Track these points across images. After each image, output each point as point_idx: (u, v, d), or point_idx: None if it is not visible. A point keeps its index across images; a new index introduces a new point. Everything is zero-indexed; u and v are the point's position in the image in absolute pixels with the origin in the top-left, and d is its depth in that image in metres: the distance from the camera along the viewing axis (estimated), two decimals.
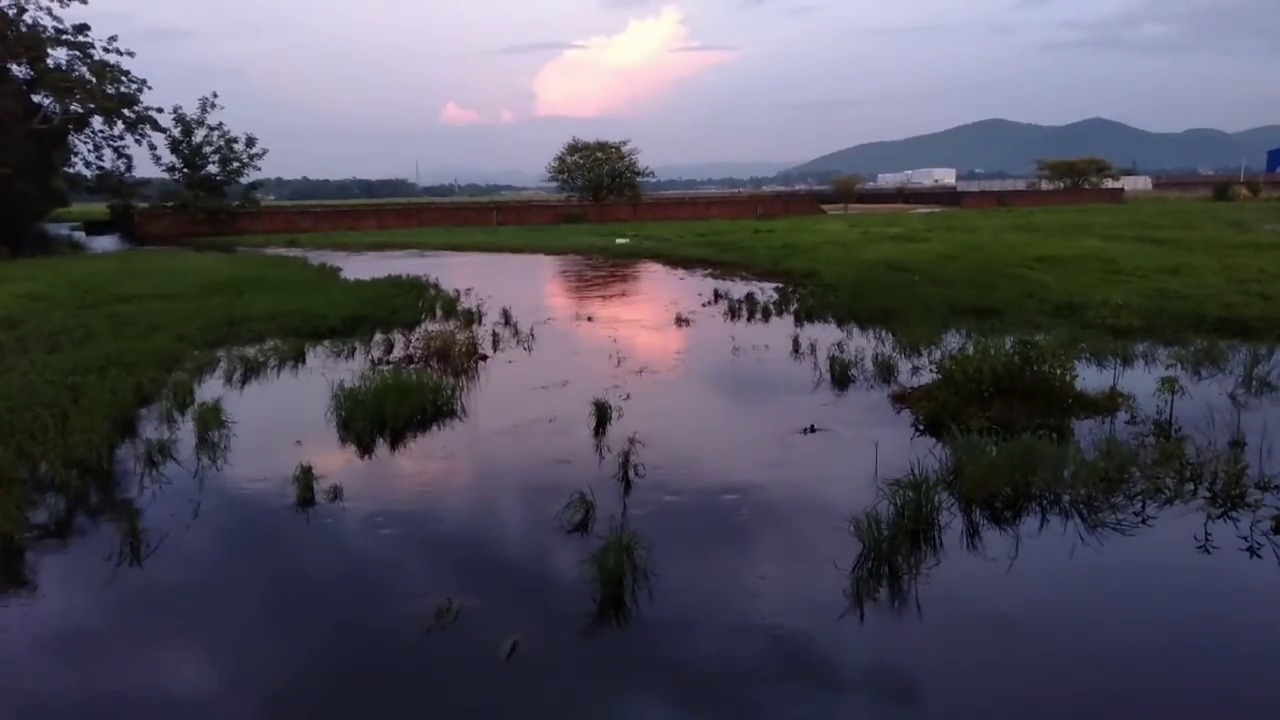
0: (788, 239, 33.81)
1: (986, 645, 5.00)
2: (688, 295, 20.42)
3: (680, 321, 16.49)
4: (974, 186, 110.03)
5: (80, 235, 57.04)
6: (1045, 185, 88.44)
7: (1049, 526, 6.49)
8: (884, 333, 14.14)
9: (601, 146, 71.55)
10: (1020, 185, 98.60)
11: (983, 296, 16.52)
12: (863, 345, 12.96)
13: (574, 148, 71.83)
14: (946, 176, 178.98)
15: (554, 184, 75.22)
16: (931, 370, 10.60)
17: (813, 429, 9.04)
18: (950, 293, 17.06)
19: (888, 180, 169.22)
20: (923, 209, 70.05)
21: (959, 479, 7.10)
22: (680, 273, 26.84)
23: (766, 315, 16.93)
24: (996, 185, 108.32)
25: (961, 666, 4.77)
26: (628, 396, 10.36)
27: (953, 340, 12.83)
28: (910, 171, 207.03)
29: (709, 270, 26.53)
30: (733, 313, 17.27)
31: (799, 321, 16.00)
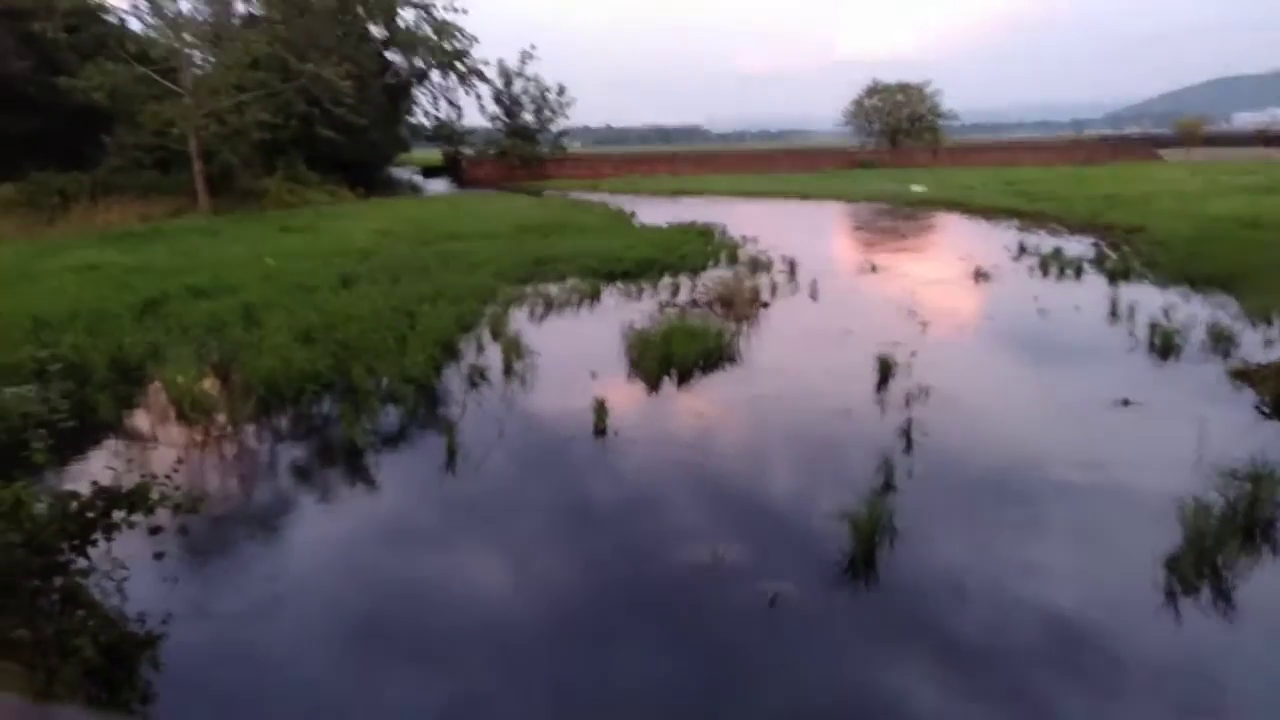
0: (1112, 188, 30.18)
1: None
2: (988, 248, 18.99)
3: (978, 276, 15.41)
4: None
5: (419, 179, 64.52)
6: None
7: None
8: (1225, 299, 12.26)
9: (903, 88, 67.94)
10: None
11: None
12: (1196, 312, 11.36)
13: (873, 90, 68.89)
14: None
15: (848, 128, 72.74)
16: None
17: (1126, 402, 8.13)
18: None
19: (1246, 121, 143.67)
20: None
21: None
22: (981, 224, 25.01)
23: (1079, 273, 15.33)
24: None
25: None
26: (914, 352, 9.93)
27: None
28: (1277, 110, 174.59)
29: (1014, 222, 24.45)
30: (1041, 269, 15.82)
31: (1117, 280, 14.31)
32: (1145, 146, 65.67)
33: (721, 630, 4.75)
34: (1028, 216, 25.24)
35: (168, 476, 4.78)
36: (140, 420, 8.67)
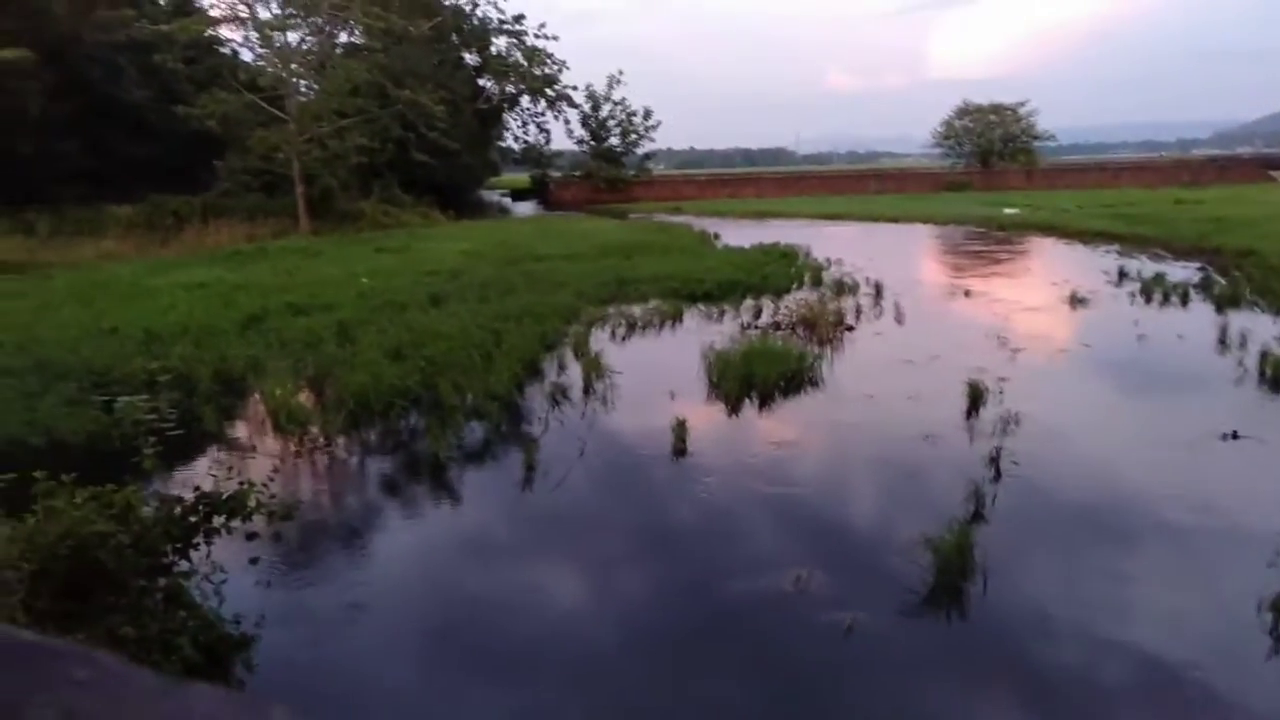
0: (1220, 211, 28.75)
1: None
2: (1084, 273, 18.31)
3: (1074, 301, 14.85)
4: None
5: (507, 201, 66.07)
6: None
7: None
8: None
9: (995, 109, 66.28)
10: None
11: None
12: None
13: (964, 110, 67.40)
14: None
15: (938, 150, 71.34)
16: None
17: (1235, 435, 7.71)
18: None
19: None
20: None
21: None
22: (1079, 248, 24.15)
23: (1185, 299, 14.64)
24: None
25: None
26: (1004, 379, 9.63)
27: None
28: None
29: (1114, 246, 23.52)
30: (1143, 295, 15.17)
31: (1225, 308, 13.60)
32: (1257, 167, 62.30)
33: (794, 656, 4.68)
34: (1129, 240, 24.25)
35: (264, 484, 4.99)
36: (240, 430, 9.09)
